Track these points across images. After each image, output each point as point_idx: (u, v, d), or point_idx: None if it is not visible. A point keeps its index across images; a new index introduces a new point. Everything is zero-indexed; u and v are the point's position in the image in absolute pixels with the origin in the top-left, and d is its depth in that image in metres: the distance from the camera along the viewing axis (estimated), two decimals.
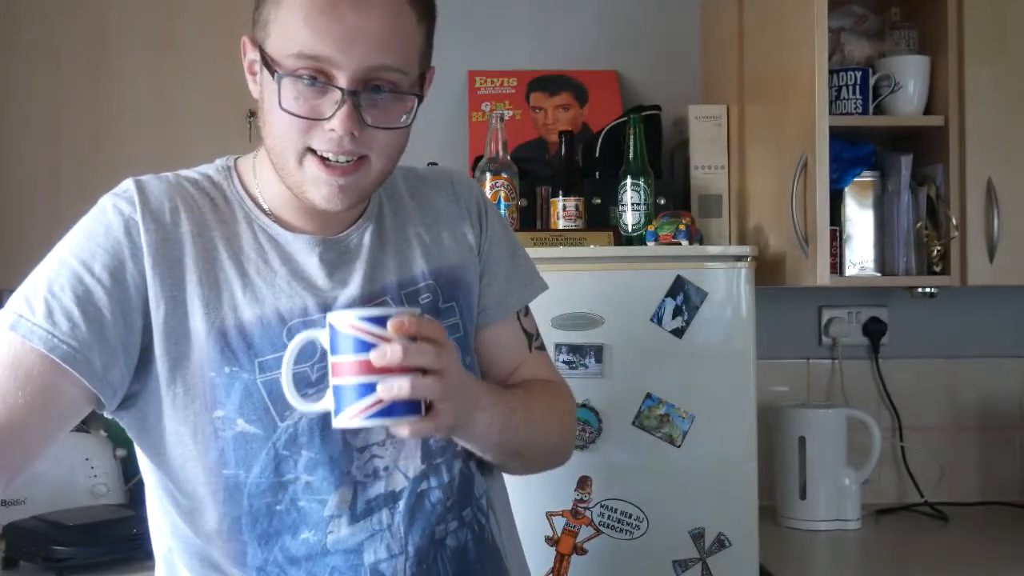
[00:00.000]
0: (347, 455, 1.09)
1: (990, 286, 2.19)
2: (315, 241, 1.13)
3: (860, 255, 2.13)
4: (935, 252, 2.11)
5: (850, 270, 2.13)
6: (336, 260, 1.14)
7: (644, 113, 2.19)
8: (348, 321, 0.97)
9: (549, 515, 1.82)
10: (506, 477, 1.28)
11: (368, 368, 0.95)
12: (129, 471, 2.17)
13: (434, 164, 2.13)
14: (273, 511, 1.08)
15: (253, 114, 2.12)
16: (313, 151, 1.05)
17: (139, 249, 1.07)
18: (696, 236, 1.97)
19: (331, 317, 0.98)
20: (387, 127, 1.06)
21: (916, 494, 2.41)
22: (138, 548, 1.85)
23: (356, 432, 1.09)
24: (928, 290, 2.25)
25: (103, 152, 2.12)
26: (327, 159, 1.05)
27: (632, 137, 2.05)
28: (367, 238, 1.16)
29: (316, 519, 1.08)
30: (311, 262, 1.13)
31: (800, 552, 2.12)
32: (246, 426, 1.06)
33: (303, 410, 1.03)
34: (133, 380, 1.07)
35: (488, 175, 2.02)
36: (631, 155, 2.05)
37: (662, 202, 2.10)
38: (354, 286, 1.13)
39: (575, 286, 1.84)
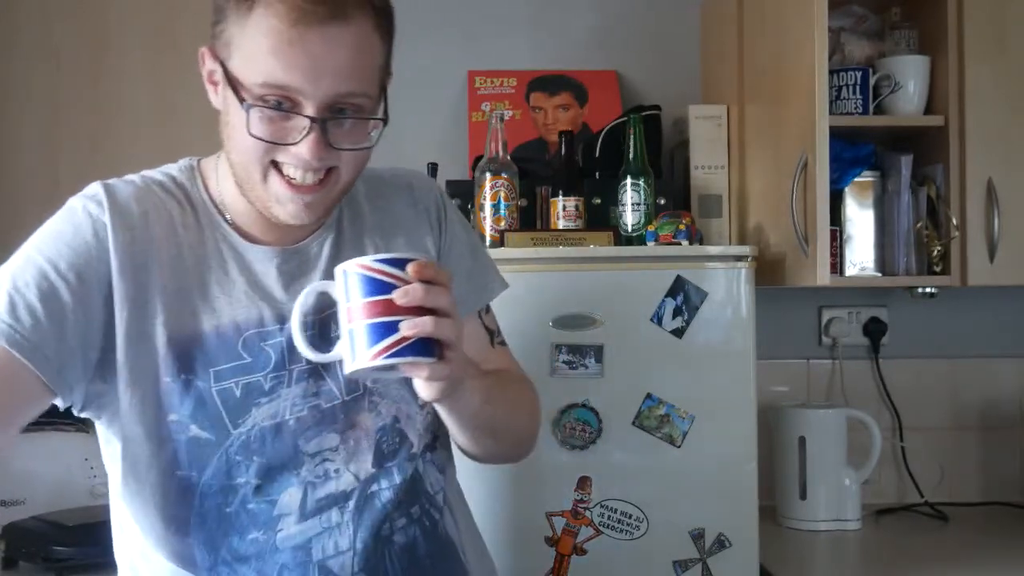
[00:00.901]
0: (298, 460, 1.11)
1: (990, 286, 2.19)
2: (274, 252, 1.14)
3: (860, 255, 2.13)
4: (935, 252, 2.11)
5: (850, 270, 2.13)
6: (295, 270, 1.15)
7: (644, 113, 2.19)
8: (368, 264, 0.98)
9: (549, 515, 1.82)
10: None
11: (388, 309, 0.96)
12: None
13: (434, 164, 2.14)
14: (222, 512, 1.09)
15: None
16: (277, 167, 1.05)
17: (106, 251, 1.08)
18: (696, 236, 1.97)
19: (346, 264, 0.99)
20: (354, 148, 1.07)
21: (916, 494, 2.41)
22: None
23: (309, 438, 1.11)
24: (928, 290, 2.24)
25: (103, 152, 2.12)
26: (292, 179, 1.06)
27: (632, 137, 2.05)
28: (326, 247, 1.17)
29: (265, 519, 1.10)
30: (269, 273, 1.14)
31: (800, 552, 2.12)
32: (199, 431, 1.08)
33: (316, 359, 1.04)
34: (96, 380, 1.09)
35: (488, 175, 2.02)
36: (631, 155, 2.05)
37: (662, 202, 2.10)
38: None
39: (575, 286, 1.84)
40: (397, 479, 1.15)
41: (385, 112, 1.09)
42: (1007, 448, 2.47)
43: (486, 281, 1.29)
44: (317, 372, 1.13)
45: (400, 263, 0.98)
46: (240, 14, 1.02)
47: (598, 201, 2.12)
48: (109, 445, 1.14)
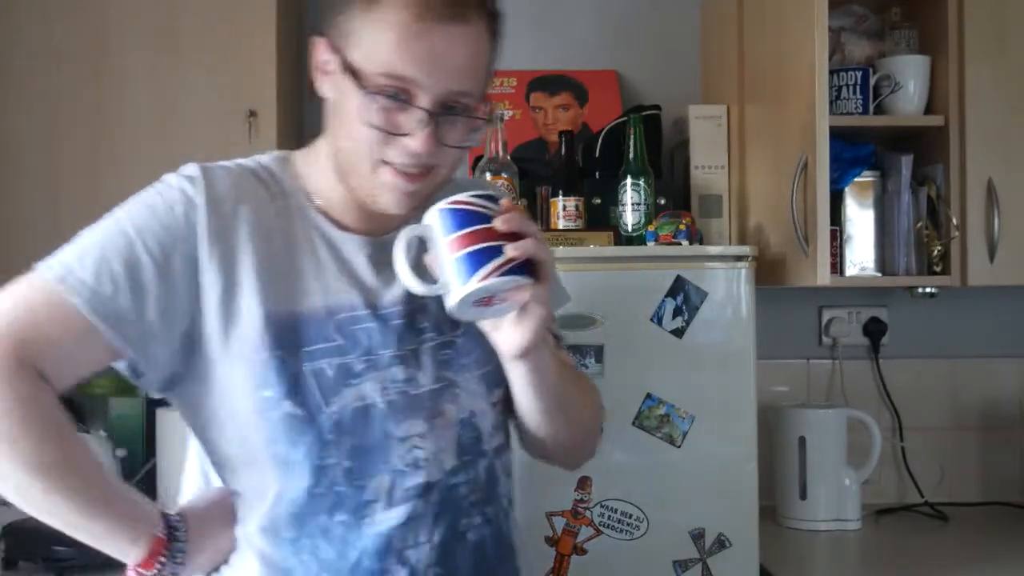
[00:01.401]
0: (387, 445, 1.13)
1: (990, 286, 2.19)
2: (364, 241, 1.18)
3: (860, 255, 2.13)
4: (935, 252, 2.11)
5: (850, 270, 2.13)
6: (382, 260, 1.17)
7: (644, 113, 2.19)
8: (464, 199, 1.06)
9: (549, 515, 1.82)
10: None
11: (490, 235, 1.04)
12: (129, 471, 2.17)
13: None
14: (312, 493, 1.11)
15: (253, 114, 2.12)
16: (386, 161, 1.10)
17: (196, 232, 1.11)
18: (696, 236, 1.97)
19: (442, 203, 1.06)
20: (460, 146, 1.12)
21: (916, 494, 2.41)
22: None
23: (398, 421, 1.13)
24: (928, 290, 2.24)
25: (103, 152, 2.12)
26: (399, 167, 1.10)
27: (632, 137, 2.05)
28: None
29: (354, 503, 1.12)
30: (359, 261, 1.17)
31: (800, 552, 2.12)
32: (293, 408, 1.10)
33: (422, 291, 1.07)
34: (180, 361, 1.12)
35: (488, 175, 2.02)
36: (631, 155, 2.05)
37: (662, 202, 2.10)
38: (398, 287, 1.15)
39: (575, 286, 1.81)
40: (474, 476, 1.18)
41: (488, 113, 1.15)
42: (1007, 448, 2.47)
43: (556, 291, 1.32)
44: (406, 359, 1.16)
45: (491, 197, 1.07)
46: (365, 7, 1.07)
47: (598, 201, 2.12)
48: (203, 428, 1.16)
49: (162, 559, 1.08)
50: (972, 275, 2.07)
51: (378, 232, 1.19)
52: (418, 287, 1.07)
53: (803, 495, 2.22)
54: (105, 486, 1.08)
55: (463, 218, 1.05)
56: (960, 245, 2.07)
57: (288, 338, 1.11)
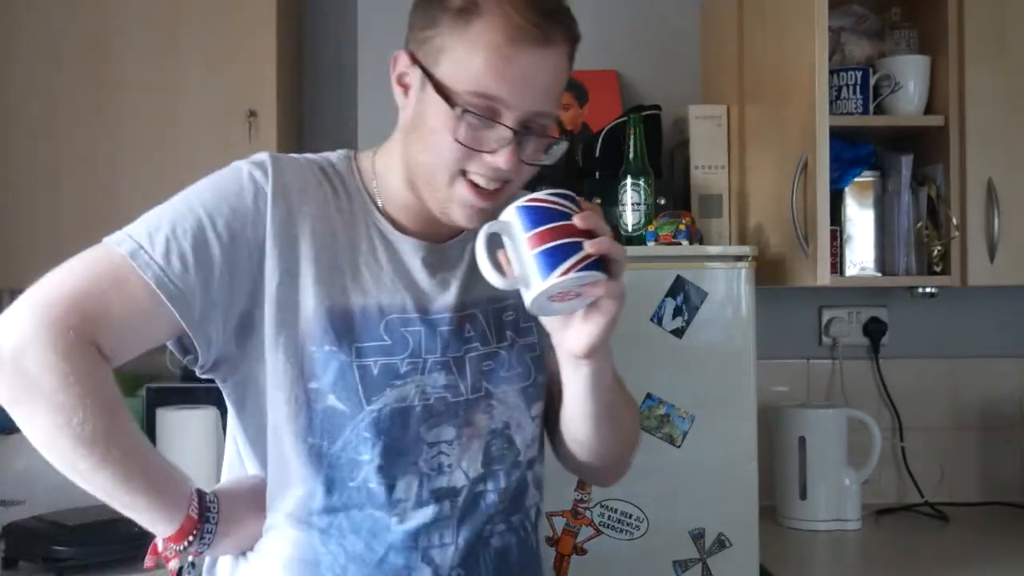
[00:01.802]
0: (417, 448, 1.15)
1: (990, 286, 2.19)
2: (421, 246, 1.20)
3: (860, 255, 2.13)
4: (935, 252, 2.11)
5: (850, 270, 2.13)
6: (438, 266, 1.21)
7: (644, 113, 2.19)
8: (544, 197, 1.09)
9: (549, 515, 1.82)
10: None
11: (568, 231, 1.07)
12: None
13: None
14: (346, 485, 1.14)
15: (253, 114, 2.12)
16: (464, 173, 1.13)
17: (263, 219, 1.13)
18: (696, 236, 1.97)
19: (521, 201, 1.09)
20: (537, 164, 1.16)
21: (916, 494, 2.41)
22: (138, 548, 1.85)
23: (430, 427, 1.15)
24: (928, 290, 2.25)
25: (103, 152, 2.12)
26: (478, 185, 1.13)
27: (632, 137, 2.05)
28: (467, 252, 1.23)
29: (383, 500, 1.14)
30: (415, 264, 1.20)
31: (800, 552, 2.12)
32: (335, 402, 1.13)
33: (503, 286, 1.09)
34: (232, 343, 1.14)
35: None
36: (631, 155, 2.05)
37: (662, 202, 2.10)
38: (451, 294, 1.19)
39: None
40: (502, 484, 1.20)
41: (561, 133, 1.17)
42: (1007, 448, 2.48)
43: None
44: (449, 365, 1.18)
45: (568, 196, 1.10)
46: (458, 26, 1.10)
47: (598, 201, 2.11)
48: (247, 413, 1.19)
49: (191, 537, 1.11)
50: (972, 275, 2.07)
51: (435, 238, 1.21)
52: (499, 281, 1.09)
53: (803, 495, 2.22)
54: (150, 462, 1.11)
55: (543, 215, 1.08)
56: (960, 245, 2.07)
57: (341, 333, 1.13)
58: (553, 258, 1.06)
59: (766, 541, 1.89)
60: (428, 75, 1.12)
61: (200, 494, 1.13)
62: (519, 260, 1.08)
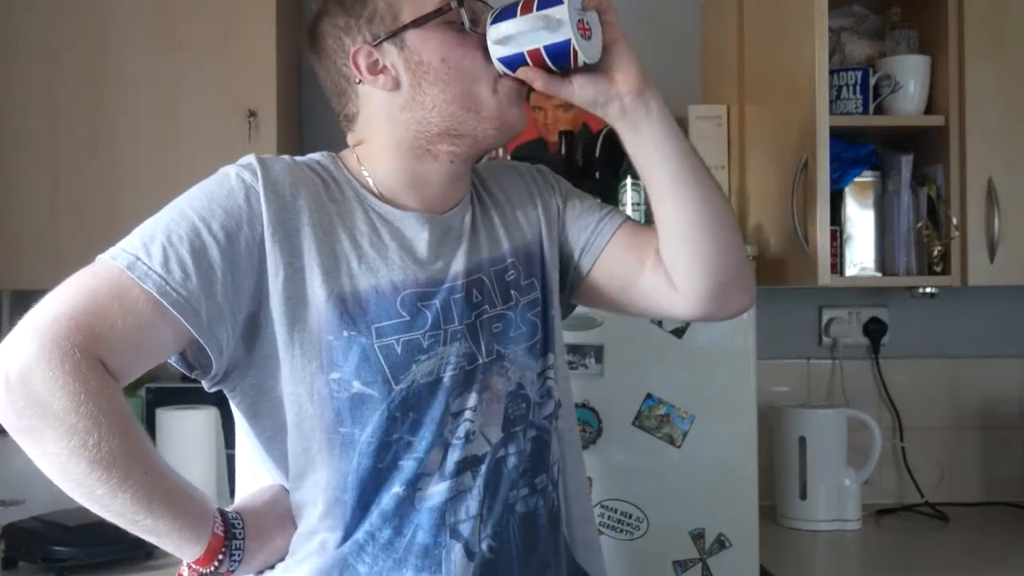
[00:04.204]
0: (444, 419, 1.15)
1: (990, 286, 2.18)
2: (423, 219, 1.21)
3: (860, 255, 2.13)
4: (935, 252, 2.11)
5: (850, 270, 2.13)
6: (441, 237, 1.22)
7: None
8: None
9: None
10: None
11: None
12: None
13: None
14: (376, 469, 1.13)
15: (253, 114, 2.12)
16: (497, 79, 1.18)
17: (258, 217, 1.12)
18: None
19: None
20: None
21: (916, 494, 2.41)
22: (138, 548, 1.85)
23: (456, 395, 1.15)
24: (928, 290, 2.24)
25: (103, 152, 2.12)
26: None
27: None
28: (467, 219, 1.25)
29: (410, 476, 1.13)
30: (420, 237, 1.20)
31: (800, 552, 2.12)
32: (362, 388, 1.12)
33: (583, 48, 1.15)
34: (242, 346, 1.12)
35: None
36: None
37: None
38: (457, 262, 1.21)
39: None
40: (523, 446, 1.20)
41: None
42: (1007, 448, 2.47)
43: (609, 207, 1.40)
44: (465, 333, 1.18)
45: None
46: None
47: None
48: (259, 417, 1.17)
49: (220, 557, 1.09)
50: (972, 275, 2.06)
51: (436, 210, 1.22)
52: (584, 44, 1.16)
53: (803, 495, 2.22)
54: (169, 481, 1.08)
55: None
56: (960, 245, 2.07)
57: (357, 316, 1.13)
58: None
59: (766, 541, 1.89)
60: (402, 29, 1.17)
61: (221, 512, 1.11)
62: (546, 20, 1.14)
